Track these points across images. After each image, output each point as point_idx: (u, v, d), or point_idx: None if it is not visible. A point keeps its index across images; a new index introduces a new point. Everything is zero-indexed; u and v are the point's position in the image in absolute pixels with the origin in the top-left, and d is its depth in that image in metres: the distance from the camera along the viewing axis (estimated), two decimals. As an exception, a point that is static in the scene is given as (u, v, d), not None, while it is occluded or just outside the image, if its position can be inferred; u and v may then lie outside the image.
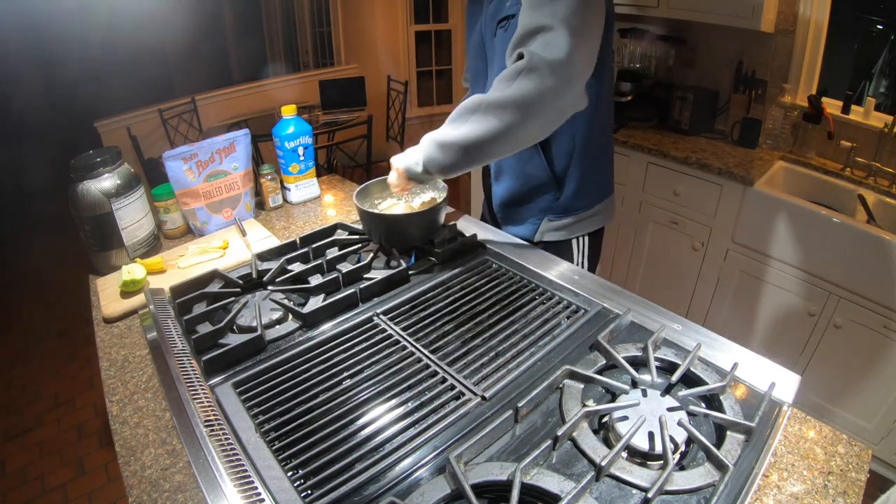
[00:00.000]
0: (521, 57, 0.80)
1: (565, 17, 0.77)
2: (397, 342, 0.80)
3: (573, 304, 0.87)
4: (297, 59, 5.18)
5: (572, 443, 0.61)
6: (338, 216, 1.33)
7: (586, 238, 1.16)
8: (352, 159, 3.68)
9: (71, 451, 1.98)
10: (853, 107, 1.89)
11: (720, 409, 0.65)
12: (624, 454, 0.60)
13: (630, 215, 2.22)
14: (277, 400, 0.69)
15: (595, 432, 0.63)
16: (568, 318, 0.85)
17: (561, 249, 1.13)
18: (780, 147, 2.08)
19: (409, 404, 0.68)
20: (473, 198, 2.84)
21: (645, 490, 0.54)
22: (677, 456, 0.59)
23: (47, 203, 3.64)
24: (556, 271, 0.97)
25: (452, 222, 1.15)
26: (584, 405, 0.65)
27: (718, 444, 0.60)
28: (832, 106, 1.91)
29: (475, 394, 0.69)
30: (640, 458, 0.59)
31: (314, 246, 1.04)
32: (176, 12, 3.87)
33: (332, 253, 1.03)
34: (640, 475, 0.56)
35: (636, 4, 2.16)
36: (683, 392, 0.66)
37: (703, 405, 0.66)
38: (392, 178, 0.97)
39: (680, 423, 0.61)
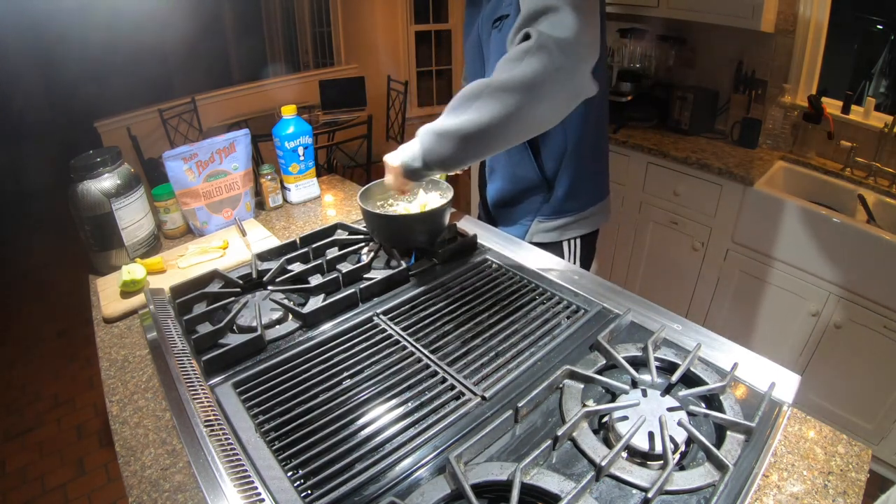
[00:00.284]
0: (526, 37, 0.76)
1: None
2: (397, 342, 0.80)
3: (573, 304, 0.87)
4: (297, 59, 5.18)
5: (572, 443, 0.61)
6: (338, 216, 1.33)
7: (578, 241, 1.15)
8: (352, 159, 3.68)
9: (71, 451, 1.98)
10: (853, 107, 1.89)
11: (720, 409, 0.65)
12: (624, 454, 0.60)
13: (630, 215, 2.21)
14: (277, 400, 0.69)
15: (595, 432, 0.63)
16: (568, 318, 0.85)
17: (551, 251, 1.12)
18: (780, 147, 2.08)
19: (409, 404, 0.68)
20: (473, 198, 2.83)
21: (645, 490, 0.54)
22: (677, 456, 0.59)
23: (47, 203, 3.65)
24: (556, 271, 0.97)
25: (453, 222, 1.15)
26: (584, 405, 0.65)
27: (718, 444, 0.60)
28: (832, 106, 1.91)
29: (475, 394, 0.69)
30: (640, 458, 0.59)
31: (314, 246, 1.04)
32: (176, 12, 3.87)
33: (332, 253, 1.03)
34: (640, 475, 0.56)
35: (636, 4, 2.16)
36: (683, 392, 0.66)
37: (703, 405, 0.66)
38: (388, 179, 0.93)
39: (680, 423, 0.61)
